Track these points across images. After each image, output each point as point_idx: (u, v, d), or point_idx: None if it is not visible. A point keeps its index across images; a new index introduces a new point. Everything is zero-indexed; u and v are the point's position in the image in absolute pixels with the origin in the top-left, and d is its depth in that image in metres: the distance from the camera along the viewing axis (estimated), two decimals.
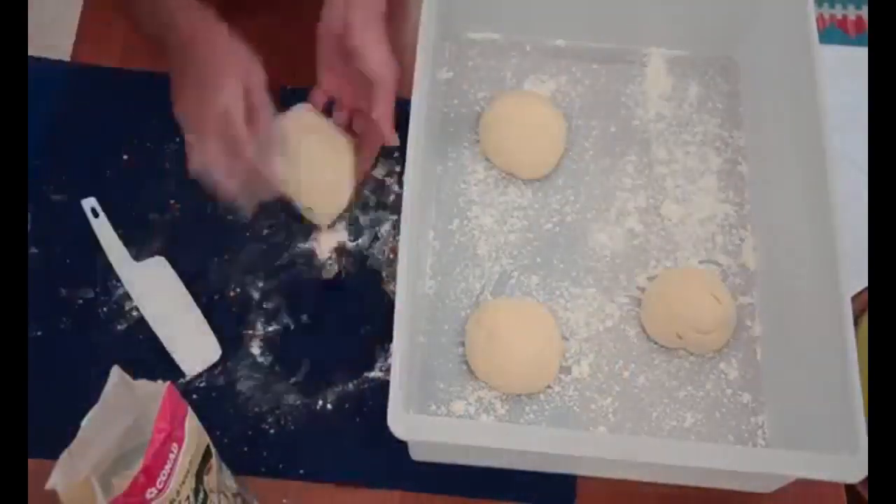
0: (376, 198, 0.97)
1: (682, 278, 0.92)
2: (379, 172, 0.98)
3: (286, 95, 1.00)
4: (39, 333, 0.89)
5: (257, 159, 0.84)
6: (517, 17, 1.04)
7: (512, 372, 0.87)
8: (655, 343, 0.91)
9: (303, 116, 0.94)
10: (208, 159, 0.83)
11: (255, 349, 0.89)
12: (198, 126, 0.84)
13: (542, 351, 0.87)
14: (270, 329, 0.90)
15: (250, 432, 0.86)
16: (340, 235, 0.95)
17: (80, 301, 0.90)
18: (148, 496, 0.64)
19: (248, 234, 0.95)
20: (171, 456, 0.65)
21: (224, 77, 0.83)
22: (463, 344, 0.89)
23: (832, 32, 2.02)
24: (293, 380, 0.88)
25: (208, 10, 0.87)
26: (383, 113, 0.89)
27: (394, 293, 0.80)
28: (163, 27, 0.87)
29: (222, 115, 0.82)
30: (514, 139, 0.96)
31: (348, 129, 0.97)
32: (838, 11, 2.06)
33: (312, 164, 0.92)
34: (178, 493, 0.67)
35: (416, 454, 0.84)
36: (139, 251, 0.93)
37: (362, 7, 0.88)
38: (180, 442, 0.66)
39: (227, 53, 0.85)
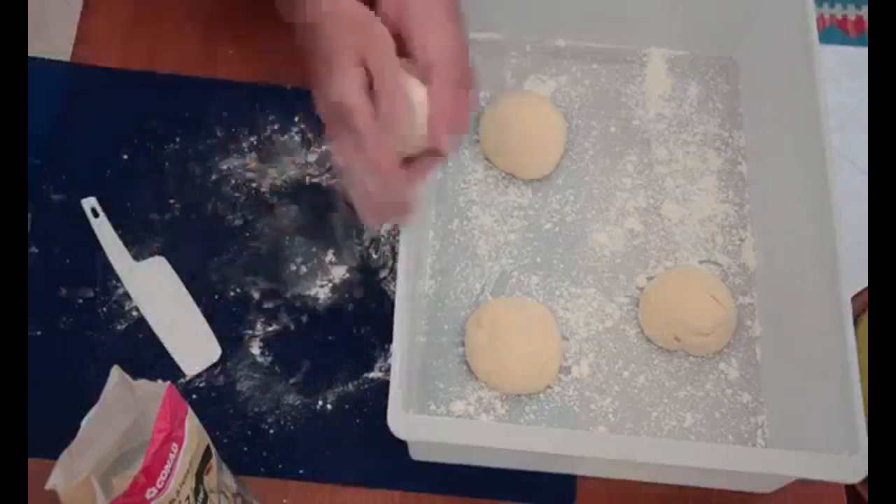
0: None
1: (679, 280, 0.92)
2: None
3: (289, 95, 1.00)
4: (39, 333, 0.88)
5: (386, 152, 0.70)
6: (517, 17, 1.03)
7: (512, 372, 0.86)
8: (655, 343, 0.91)
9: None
10: (345, 158, 0.73)
11: (255, 349, 0.89)
12: (328, 125, 0.72)
13: (542, 351, 0.87)
14: (270, 329, 0.90)
15: (250, 432, 0.86)
16: None
17: (80, 301, 0.90)
18: (148, 496, 0.64)
19: (247, 234, 0.94)
20: (171, 456, 0.65)
21: (337, 55, 0.69)
22: (463, 344, 0.89)
23: (832, 32, 2.03)
24: (293, 380, 0.88)
25: None
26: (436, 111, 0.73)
27: (394, 293, 0.80)
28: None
29: (339, 105, 0.69)
30: (514, 139, 0.96)
31: None
32: (838, 11, 2.06)
33: None
34: (178, 493, 0.67)
35: (416, 454, 0.84)
36: (139, 251, 0.92)
37: None
38: (180, 442, 0.66)
39: (346, 24, 0.70)
